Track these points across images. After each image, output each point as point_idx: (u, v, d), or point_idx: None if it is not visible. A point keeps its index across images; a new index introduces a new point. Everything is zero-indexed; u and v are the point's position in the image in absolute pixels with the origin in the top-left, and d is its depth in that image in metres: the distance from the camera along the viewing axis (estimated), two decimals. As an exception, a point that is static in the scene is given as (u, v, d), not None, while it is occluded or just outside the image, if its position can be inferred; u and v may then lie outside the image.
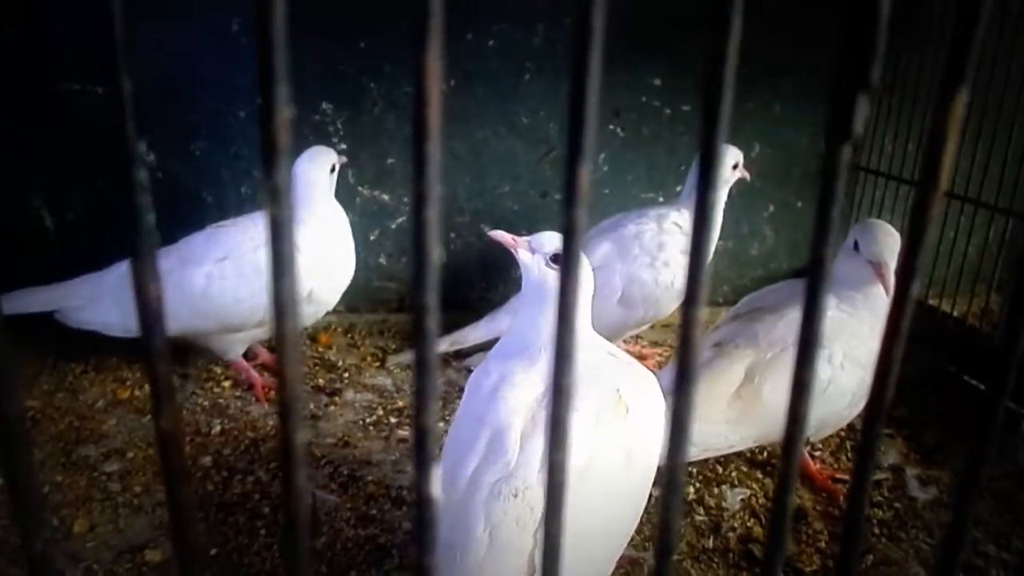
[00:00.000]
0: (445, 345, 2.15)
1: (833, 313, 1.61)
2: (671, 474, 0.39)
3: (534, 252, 1.39)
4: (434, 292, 0.31)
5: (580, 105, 0.30)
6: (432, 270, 0.31)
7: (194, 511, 0.35)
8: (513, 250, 1.42)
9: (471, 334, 2.18)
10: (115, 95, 0.29)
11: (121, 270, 2.04)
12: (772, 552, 0.43)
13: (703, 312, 0.35)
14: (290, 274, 0.30)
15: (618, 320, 2.10)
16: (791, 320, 1.60)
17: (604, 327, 2.11)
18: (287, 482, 0.33)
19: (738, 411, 1.56)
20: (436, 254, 0.31)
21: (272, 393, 2.10)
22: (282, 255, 0.30)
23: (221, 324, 1.99)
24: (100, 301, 2.01)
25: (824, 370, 1.56)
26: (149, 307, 0.32)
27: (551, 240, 1.40)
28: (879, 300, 1.61)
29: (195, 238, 2.03)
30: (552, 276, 1.38)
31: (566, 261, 0.34)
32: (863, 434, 0.41)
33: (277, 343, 0.32)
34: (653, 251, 2.06)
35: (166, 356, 0.33)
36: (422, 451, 0.33)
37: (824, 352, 1.56)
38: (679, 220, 2.12)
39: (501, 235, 1.45)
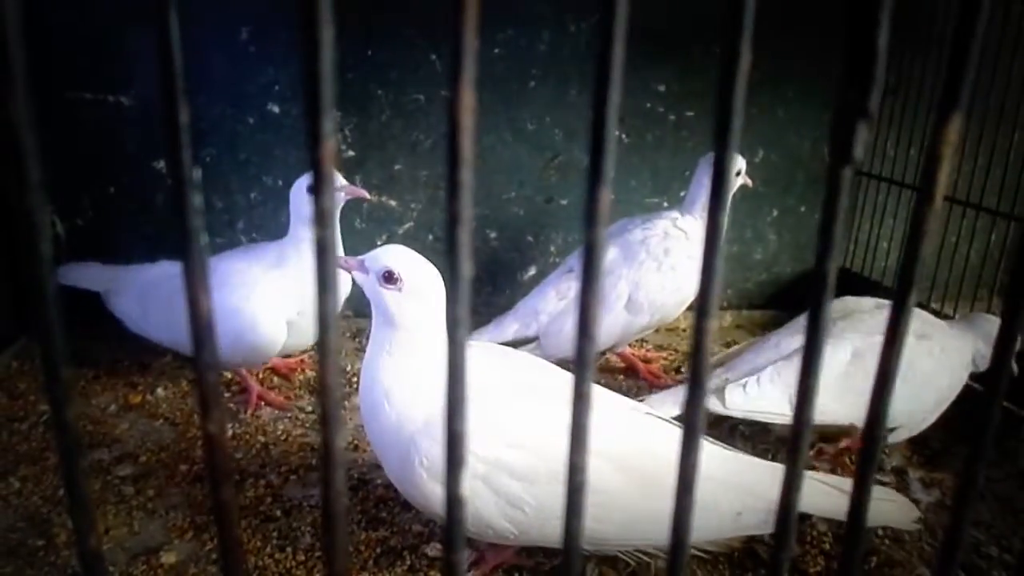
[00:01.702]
0: None
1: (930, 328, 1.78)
2: (683, 474, 0.42)
3: (367, 272, 1.31)
4: (466, 306, 0.34)
5: (600, 133, 0.33)
6: (465, 286, 0.33)
7: (237, 511, 0.38)
8: (348, 271, 1.33)
9: (478, 340, 2.20)
10: (171, 125, 0.32)
11: (150, 271, 2.08)
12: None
13: (714, 322, 0.38)
14: (333, 291, 0.33)
15: (624, 325, 2.12)
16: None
17: (610, 333, 2.14)
18: (327, 485, 0.36)
19: (842, 388, 1.66)
20: (468, 270, 0.33)
21: (263, 405, 2.09)
22: (326, 274, 0.32)
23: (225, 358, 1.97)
24: (127, 293, 2.09)
25: (925, 361, 1.70)
26: (200, 321, 0.35)
27: (384, 257, 1.30)
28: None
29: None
30: (387, 296, 1.29)
31: (587, 275, 0.36)
32: (864, 437, 0.44)
33: (319, 354, 0.34)
34: (660, 256, 2.08)
35: (216, 366, 0.36)
36: (454, 453, 0.35)
37: (924, 344, 1.71)
38: (684, 225, 2.14)
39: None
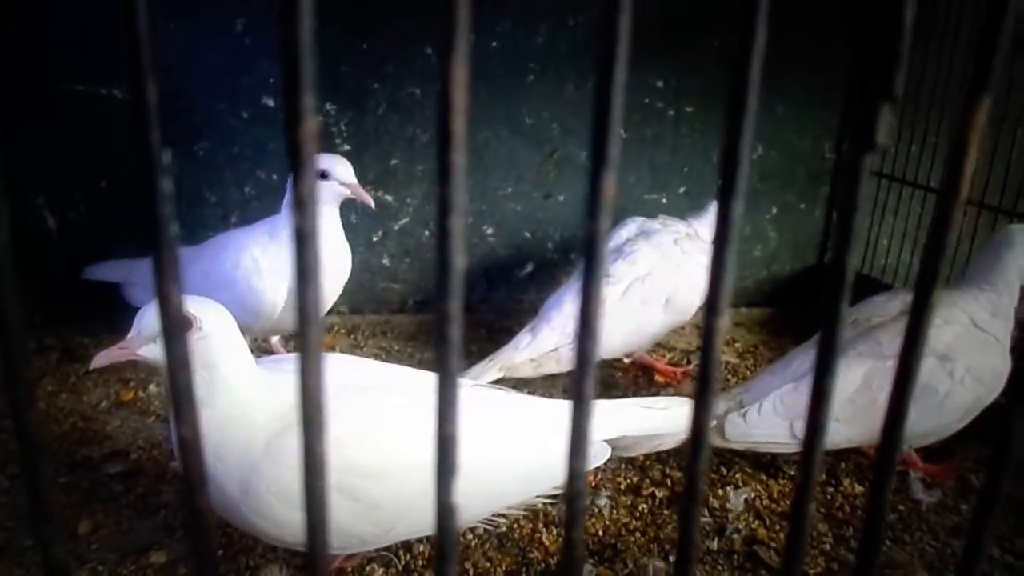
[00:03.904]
0: (493, 372, 1.97)
1: (967, 327, 1.68)
2: (690, 483, 0.39)
3: (154, 339, 1.20)
4: (458, 300, 0.31)
5: (604, 116, 0.30)
6: (456, 278, 0.31)
7: (212, 516, 0.35)
8: (132, 355, 1.21)
9: (517, 357, 2.02)
10: (140, 105, 0.29)
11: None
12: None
13: (725, 321, 0.35)
14: (314, 283, 0.30)
15: (658, 326, 2.11)
16: None
17: (648, 333, 2.10)
18: (309, 494, 0.33)
19: (850, 413, 1.61)
20: (460, 262, 0.31)
21: None
22: (307, 265, 0.30)
23: None
24: (142, 284, 2.12)
25: (943, 383, 1.62)
26: (171, 316, 0.32)
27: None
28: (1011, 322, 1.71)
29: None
30: (197, 345, 1.16)
31: (589, 265, 0.34)
32: (880, 449, 0.41)
33: (300, 353, 0.32)
34: (693, 253, 2.11)
35: (187, 364, 0.33)
36: (444, 460, 0.33)
37: (947, 366, 1.63)
38: (698, 227, 2.22)
39: (103, 358, 1.22)
